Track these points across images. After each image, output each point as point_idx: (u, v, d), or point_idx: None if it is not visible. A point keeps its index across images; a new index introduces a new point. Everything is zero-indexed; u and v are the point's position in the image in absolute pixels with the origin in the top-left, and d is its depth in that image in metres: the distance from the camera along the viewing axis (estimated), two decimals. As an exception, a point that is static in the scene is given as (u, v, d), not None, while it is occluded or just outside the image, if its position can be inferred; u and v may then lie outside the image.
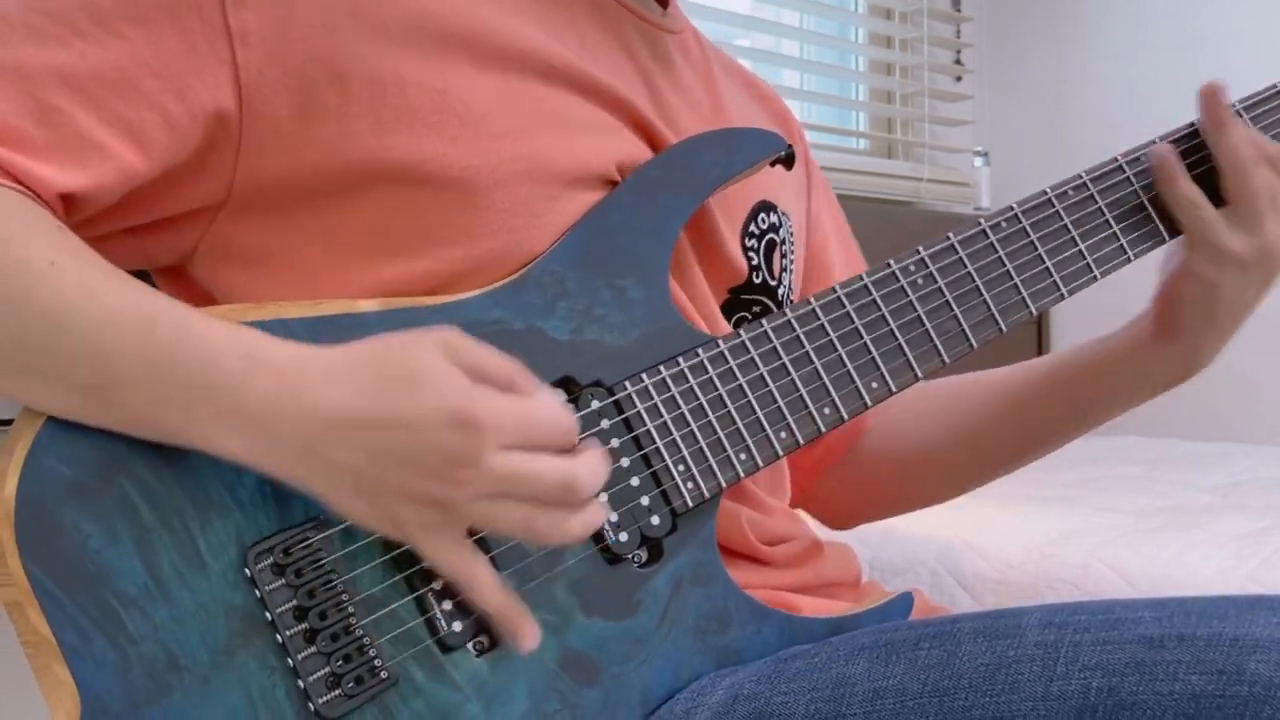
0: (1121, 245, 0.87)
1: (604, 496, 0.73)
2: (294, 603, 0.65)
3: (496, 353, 0.64)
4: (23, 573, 0.61)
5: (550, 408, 0.63)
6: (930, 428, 1.00)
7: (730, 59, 1.03)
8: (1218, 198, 0.86)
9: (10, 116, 0.66)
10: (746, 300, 0.88)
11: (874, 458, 1.01)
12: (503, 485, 0.61)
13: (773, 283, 0.90)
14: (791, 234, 0.94)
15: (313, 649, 0.65)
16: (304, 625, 0.65)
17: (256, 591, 0.65)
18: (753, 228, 0.89)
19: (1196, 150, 0.88)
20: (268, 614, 0.65)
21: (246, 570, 0.65)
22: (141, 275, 0.77)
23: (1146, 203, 0.88)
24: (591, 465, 0.64)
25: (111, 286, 0.64)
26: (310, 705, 0.64)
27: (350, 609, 0.66)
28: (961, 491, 1.04)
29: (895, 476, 1.00)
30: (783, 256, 0.92)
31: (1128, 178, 0.88)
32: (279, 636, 0.64)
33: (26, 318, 0.62)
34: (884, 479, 0.99)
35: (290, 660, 0.64)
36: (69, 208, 0.68)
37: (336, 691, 0.65)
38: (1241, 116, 0.90)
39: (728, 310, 0.87)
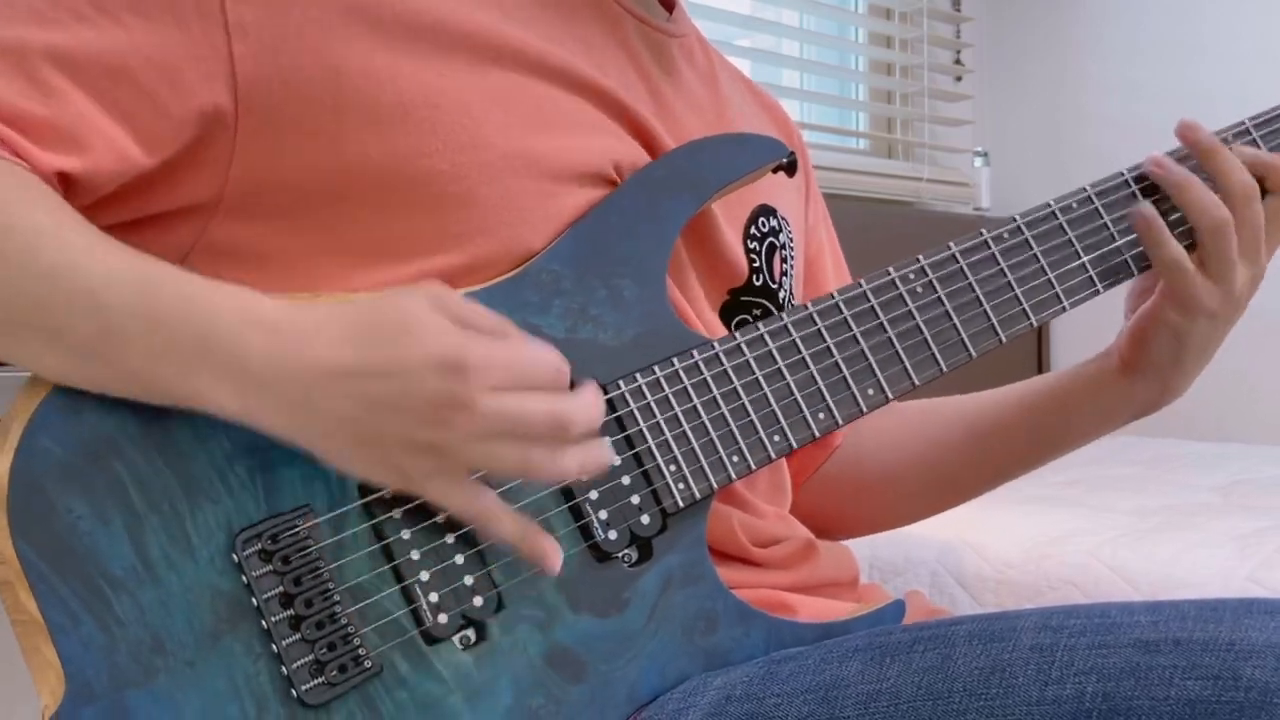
0: (1126, 260, 0.87)
1: (595, 494, 0.73)
2: (280, 589, 0.65)
3: (482, 306, 0.65)
4: (13, 552, 0.62)
5: (539, 351, 0.65)
6: (897, 449, 1.00)
7: (735, 67, 1.03)
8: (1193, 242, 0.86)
9: (9, 95, 0.67)
10: (746, 302, 0.87)
11: (842, 476, 1.00)
12: (496, 425, 0.63)
13: (773, 285, 0.89)
14: (792, 239, 0.94)
15: (297, 636, 0.65)
16: (289, 612, 0.65)
17: (243, 577, 0.65)
18: (754, 230, 0.89)
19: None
20: (254, 600, 0.65)
21: (234, 556, 0.65)
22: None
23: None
24: (583, 401, 0.66)
25: (111, 247, 0.65)
26: (293, 692, 0.65)
27: (336, 597, 0.66)
28: (926, 515, 1.04)
29: (862, 496, 0.99)
30: (783, 260, 0.91)
31: (1133, 193, 0.87)
32: (264, 622, 0.65)
33: (27, 274, 0.63)
34: (852, 497, 0.99)
35: (274, 646, 0.65)
36: (66, 192, 0.69)
37: (320, 679, 0.65)
38: (1251, 134, 0.89)
39: (728, 312, 0.87)
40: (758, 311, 0.88)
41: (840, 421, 0.79)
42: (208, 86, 0.70)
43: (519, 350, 0.65)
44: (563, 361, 0.66)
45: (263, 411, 0.63)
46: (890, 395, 0.81)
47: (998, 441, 0.98)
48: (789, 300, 0.91)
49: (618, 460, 0.73)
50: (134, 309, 0.63)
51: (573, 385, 0.73)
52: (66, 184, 0.69)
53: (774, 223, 0.92)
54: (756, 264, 0.88)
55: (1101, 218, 0.86)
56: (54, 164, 0.67)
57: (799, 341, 0.79)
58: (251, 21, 0.70)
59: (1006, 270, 0.84)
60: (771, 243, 0.90)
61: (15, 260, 0.63)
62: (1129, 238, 0.86)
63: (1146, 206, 0.85)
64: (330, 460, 0.65)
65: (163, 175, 0.71)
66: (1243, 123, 0.90)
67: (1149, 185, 0.87)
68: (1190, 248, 0.85)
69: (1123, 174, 0.88)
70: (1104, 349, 0.93)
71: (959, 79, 3.02)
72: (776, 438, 0.78)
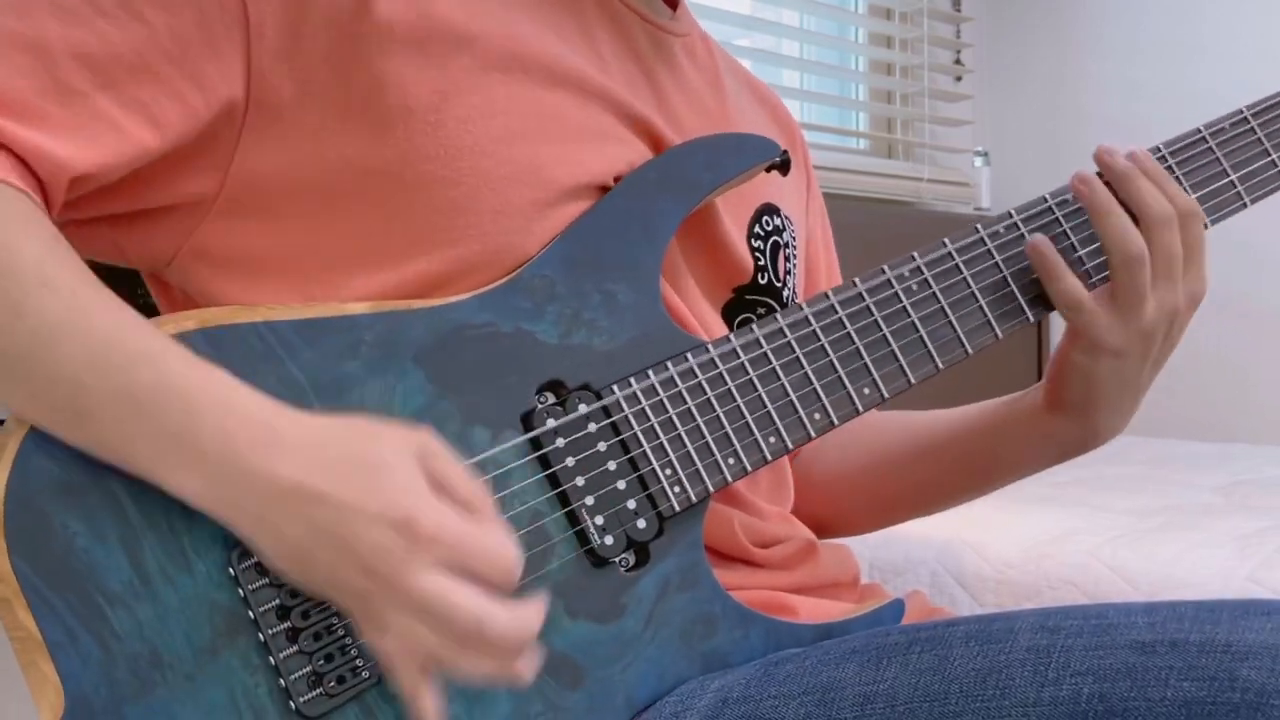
0: None
1: (591, 499, 0.73)
2: (277, 602, 0.65)
3: (468, 472, 0.63)
4: (10, 569, 0.62)
5: (497, 540, 0.61)
6: (842, 455, 0.99)
7: (737, 64, 1.02)
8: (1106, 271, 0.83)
9: (27, 91, 0.67)
10: (751, 301, 0.87)
11: (800, 477, 0.98)
12: (417, 602, 0.59)
13: (778, 284, 0.89)
14: (795, 238, 0.94)
15: (295, 648, 0.65)
16: (286, 624, 0.65)
17: (240, 590, 0.65)
18: (758, 229, 0.89)
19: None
20: (251, 613, 0.65)
21: (231, 569, 0.65)
22: (131, 279, 0.77)
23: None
24: (515, 615, 0.61)
25: (100, 312, 0.64)
26: (291, 704, 0.65)
27: (332, 609, 0.66)
28: (871, 527, 1.02)
29: (809, 495, 0.98)
30: (787, 259, 0.91)
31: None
32: (261, 635, 0.65)
33: (13, 330, 0.62)
34: (807, 498, 0.97)
35: (272, 659, 0.65)
36: (74, 182, 0.68)
37: (318, 690, 0.65)
38: (1207, 142, 0.88)
39: (732, 310, 0.87)
40: (762, 310, 0.88)
41: (836, 421, 0.79)
42: (225, 81, 0.70)
43: (476, 532, 0.61)
44: (517, 563, 0.62)
45: (225, 513, 0.62)
46: (886, 394, 0.81)
47: (933, 464, 0.97)
48: (792, 299, 0.91)
49: (600, 520, 0.72)
50: (113, 392, 0.62)
51: (570, 392, 0.73)
52: (75, 178, 0.68)
53: (778, 221, 0.91)
54: (761, 262, 0.88)
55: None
56: (69, 163, 0.67)
57: (794, 342, 0.79)
58: (270, 18, 0.71)
59: (1002, 265, 0.83)
60: (775, 241, 0.90)
61: (2, 313, 0.62)
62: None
63: (1039, 238, 0.82)
64: (275, 567, 0.63)
65: (167, 167, 0.71)
66: (1240, 111, 0.90)
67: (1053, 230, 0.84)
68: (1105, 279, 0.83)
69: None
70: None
71: (959, 79, 3.02)
72: (772, 439, 0.77)
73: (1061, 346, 0.86)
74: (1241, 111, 0.90)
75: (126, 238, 0.74)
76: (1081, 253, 0.84)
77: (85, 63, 0.68)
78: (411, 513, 0.59)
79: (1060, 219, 0.85)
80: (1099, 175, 0.84)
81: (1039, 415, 0.90)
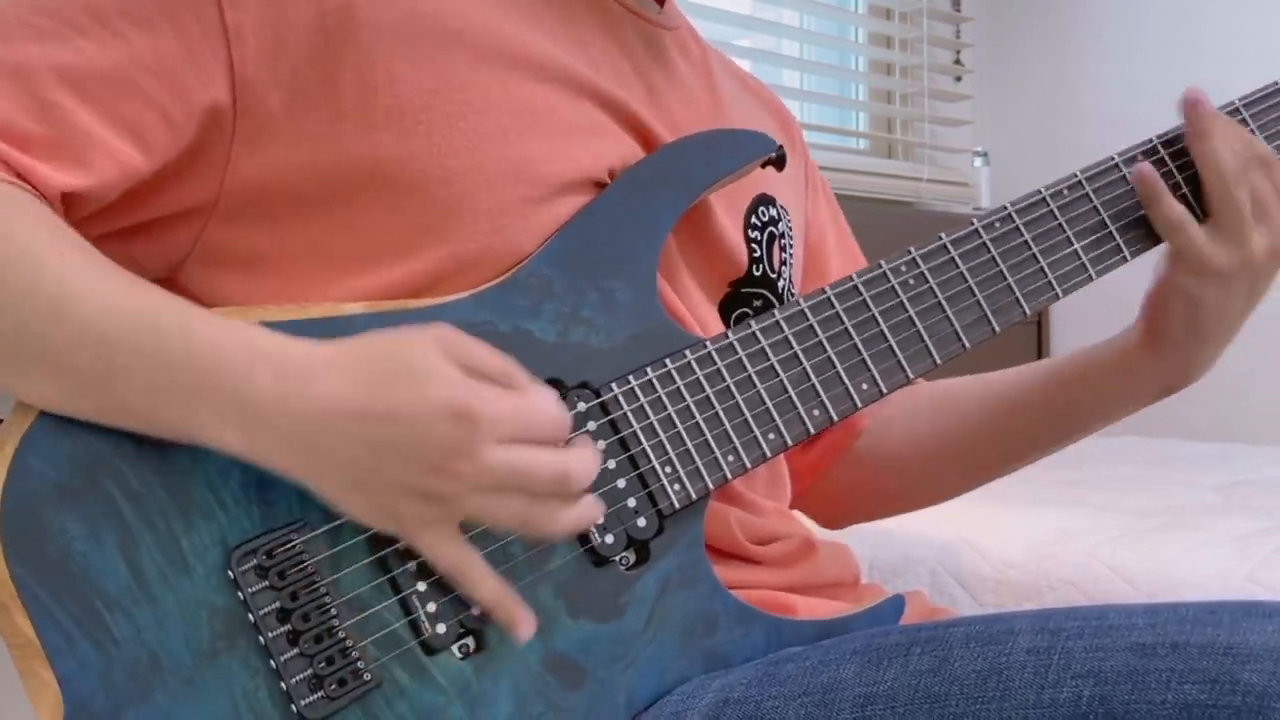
0: (1118, 244, 0.86)
1: (591, 497, 0.73)
2: (277, 605, 0.65)
3: (492, 349, 0.64)
4: (7, 574, 0.61)
5: (545, 402, 0.65)
6: (924, 429, 0.99)
7: (727, 58, 1.02)
8: (1204, 203, 0.85)
9: (12, 114, 0.67)
10: (747, 294, 0.87)
11: (868, 458, 1.00)
12: (500, 478, 0.62)
13: (773, 275, 0.89)
14: (791, 228, 0.94)
15: (296, 651, 0.65)
16: (287, 627, 0.65)
17: (240, 593, 0.65)
18: (754, 219, 0.89)
19: (1184, 154, 0.87)
20: (251, 616, 0.65)
21: (230, 572, 0.65)
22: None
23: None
24: (584, 459, 0.65)
25: (115, 278, 0.65)
26: (293, 707, 0.64)
27: (333, 611, 0.66)
28: (953, 495, 1.03)
29: (889, 477, 0.99)
30: (782, 250, 0.91)
31: (1123, 176, 0.87)
32: (262, 638, 0.64)
33: (30, 306, 0.62)
34: (877, 479, 0.98)
35: (273, 662, 0.64)
36: (69, 205, 0.69)
37: (319, 693, 0.65)
38: (1240, 113, 0.89)
39: (729, 305, 0.86)
40: (758, 303, 0.87)
41: (835, 417, 0.79)
42: (207, 90, 0.70)
43: (527, 403, 0.64)
44: (566, 413, 0.65)
45: (266, 449, 0.63)
46: (884, 389, 0.80)
47: (1020, 419, 0.96)
48: (788, 290, 0.91)
49: (601, 519, 0.73)
50: (137, 344, 0.62)
51: (568, 391, 0.73)
52: (69, 199, 0.68)
53: (774, 212, 0.91)
54: (757, 254, 0.88)
55: (1092, 201, 0.86)
56: (59, 183, 0.67)
57: (791, 337, 0.79)
58: (249, 26, 0.70)
59: (998, 259, 0.83)
60: (771, 232, 0.90)
61: (16, 291, 0.63)
62: (1121, 222, 0.86)
63: (1145, 165, 0.85)
64: (328, 498, 0.64)
65: (162, 180, 0.71)
66: (1233, 103, 0.90)
67: (1154, 160, 0.86)
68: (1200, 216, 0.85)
69: (1113, 158, 0.87)
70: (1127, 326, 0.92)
71: (959, 79, 3.02)
72: (771, 435, 0.77)
73: (1163, 274, 0.87)
74: None
75: (138, 247, 0.74)
76: (1077, 245, 0.85)
77: (67, 81, 0.68)
78: (464, 401, 0.61)
79: (1055, 211, 0.85)
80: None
81: (1135, 357, 0.91)
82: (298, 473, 0.63)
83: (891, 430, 1.00)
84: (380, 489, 0.62)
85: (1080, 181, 0.86)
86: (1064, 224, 0.85)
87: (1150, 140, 0.88)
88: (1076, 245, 0.85)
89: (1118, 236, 0.86)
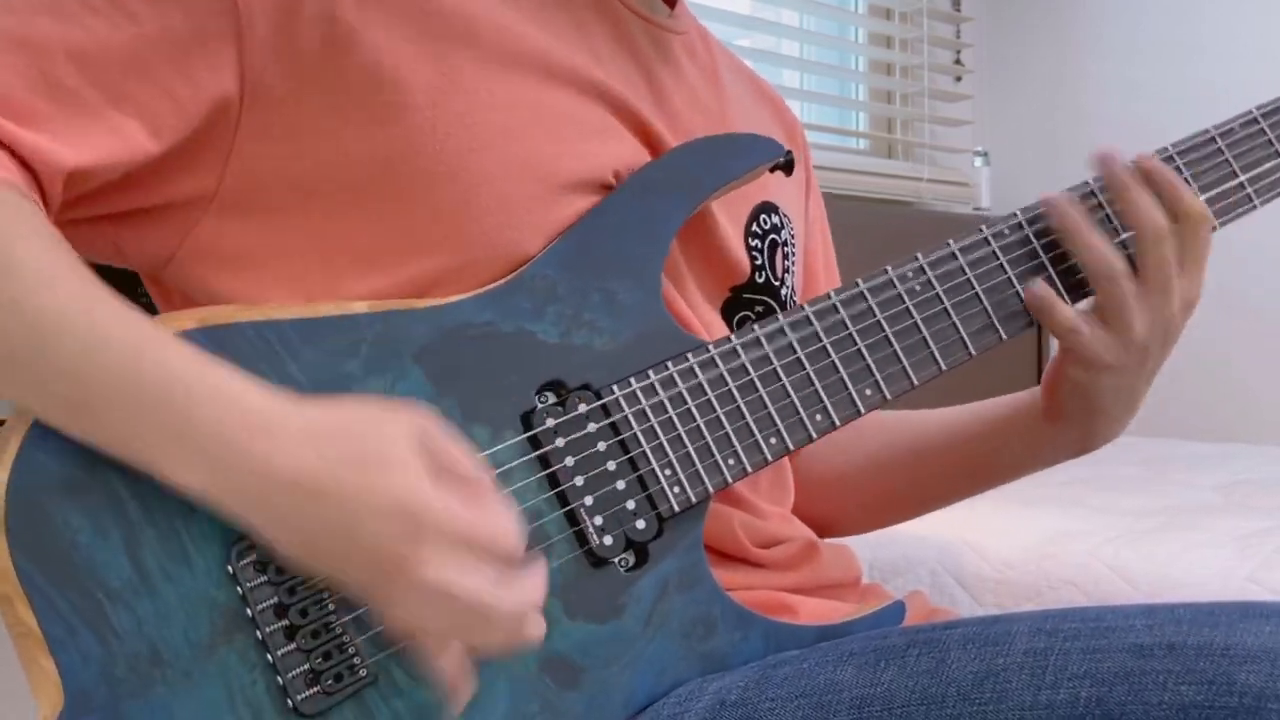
0: (1130, 255, 0.85)
1: (590, 499, 0.73)
2: (275, 599, 0.65)
3: (467, 451, 0.64)
4: (11, 566, 0.62)
5: (497, 520, 0.63)
6: (844, 454, 0.99)
7: (737, 60, 1.02)
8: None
9: (20, 90, 0.67)
10: (749, 299, 0.87)
11: (801, 476, 0.98)
12: (427, 588, 0.60)
13: (776, 283, 0.89)
14: (793, 236, 0.94)
15: (292, 646, 0.65)
16: (284, 622, 0.65)
17: (238, 588, 0.65)
18: (755, 228, 0.89)
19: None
20: (249, 610, 0.65)
21: (229, 567, 0.65)
22: (131, 280, 0.77)
23: None
24: (520, 590, 0.63)
25: (100, 307, 0.64)
26: (289, 701, 0.65)
27: (330, 606, 0.66)
28: (872, 526, 1.02)
29: (810, 494, 0.98)
30: (785, 258, 0.91)
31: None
32: (259, 633, 0.65)
33: (13, 326, 0.62)
34: (802, 494, 0.97)
35: (270, 656, 0.65)
36: (70, 181, 0.68)
37: (315, 688, 0.65)
38: (1216, 143, 0.88)
39: (730, 309, 0.86)
40: (760, 309, 0.87)
41: (838, 423, 0.79)
42: (216, 76, 0.70)
43: (482, 513, 0.62)
44: (519, 540, 0.63)
45: (226, 500, 0.62)
46: (889, 396, 0.80)
47: (934, 464, 0.97)
48: (791, 297, 0.91)
49: (599, 520, 0.73)
50: (115, 383, 0.62)
51: (570, 392, 0.73)
52: (71, 175, 0.68)
53: (776, 220, 0.91)
54: (759, 261, 0.88)
55: (1104, 210, 0.85)
56: (62, 160, 0.67)
57: (795, 343, 0.79)
58: (260, 14, 0.70)
59: (1007, 266, 0.83)
60: (773, 239, 0.90)
61: (2, 309, 0.62)
62: (1131, 233, 0.83)
63: (1039, 285, 0.81)
64: (281, 556, 0.64)
65: (164, 165, 0.71)
66: (1250, 112, 0.89)
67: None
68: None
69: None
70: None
71: (959, 79, 3.02)
72: (773, 440, 0.77)
73: (1055, 362, 0.86)
74: (1251, 112, 0.89)
75: (126, 237, 0.74)
76: (1123, 236, 0.83)
77: (76, 59, 0.68)
78: (413, 505, 0.60)
79: None
80: (1084, 188, 0.83)
81: (1037, 421, 0.91)
82: (252, 531, 0.63)
83: (817, 449, 0.98)
84: (322, 563, 0.63)
85: (1093, 190, 0.84)
86: None
87: (1168, 149, 0.86)
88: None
89: (1130, 246, 0.85)
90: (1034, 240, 0.84)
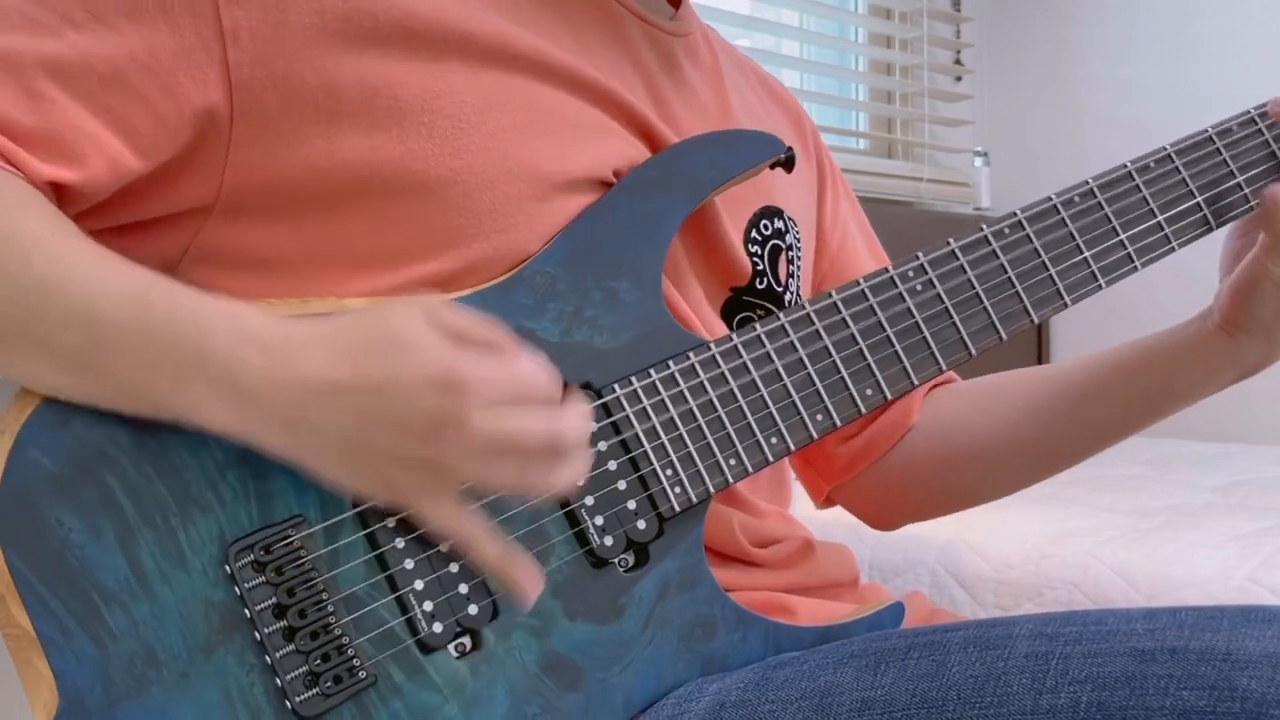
0: (1129, 254, 0.86)
1: (591, 499, 0.73)
2: (273, 600, 0.65)
3: (476, 316, 0.64)
4: (5, 566, 0.61)
5: (531, 366, 0.65)
6: (985, 425, 0.97)
7: (747, 59, 1.02)
8: None
9: (3, 106, 0.66)
10: (749, 302, 0.87)
11: (920, 456, 0.97)
12: (491, 443, 0.62)
13: (778, 288, 0.89)
14: (799, 239, 0.93)
15: (291, 647, 0.65)
16: (283, 623, 0.65)
17: (236, 589, 0.65)
18: (755, 234, 0.89)
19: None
20: (247, 611, 0.65)
21: (227, 567, 0.65)
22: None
23: (1162, 217, 0.87)
24: (575, 415, 0.65)
25: (104, 257, 0.65)
26: (288, 703, 0.64)
27: (330, 608, 0.66)
28: (1016, 489, 1.01)
29: (946, 475, 0.97)
30: (789, 263, 0.91)
31: (1136, 185, 0.87)
32: (257, 634, 0.65)
33: (19, 285, 0.63)
34: (932, 477, 0.96)
35: (268, 658, 0.65)
36: (61, 201, 0.68)
37: (314, 690, 0.65)
38: (1214, 143, 0.89)
39: (731, 308, 0.86)
40: (760, 313, 0.87)
41: (839, 422, 0.79)
42: (201, 90, 0.69)
43: (513, 365, 0.64)
44: (555, 373, 0.65)
45: (255, 426, 0.63)
46: (889, 395, 0.80)
47: (1092, 406, 0.95)
48: (795, 303, 0.91)
49: (600, 520, 0.73)
50: (126, 322, 0.63)
51: (565, 386, 0.73)
52: (61, 193, 0.68)
53: (779, 224, 0.91)
54: (760, 266, 0.88)
55: (1103, 209, 0.86)
56: (48, 175, 0.67)
57: (796, 342, 0.79)
58: (245, 25, 0.70)
59: (1007, 266, 0.83)
60: (775, 245, 0.90)
61: (8, 270, 0.63)
62: (1130, 232, 0.86)
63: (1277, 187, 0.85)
64: (322, 474, 0.64)
65: (158, 180, 0.71)
66: (1247, 112, 0.90)
67: (1152, 178, 0.86)
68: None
69: (1125, 165, 0.87)
70: (1200, 310, 0.91)
71: (959, 79, 3.02)
72: (774, 440, 0.77)
73: (1253, 264, 0.86)
74: (1249, 112, 0.90)
75: (132, 244, 0.74)
76: (1087, 254, 0.85)
77: (57, 72, 0.68)
78: (449, 370, 0.61)
79: (1066, 219, 0.85)
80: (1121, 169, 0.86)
81: (1215, 340, 0.90)
82: (288, 450, 0.64)
83: (945, 427, 0.98)
84: (373, 461, 0.63)
85: (1092, 189, 0.86)
86: (1074, 231, 0.84)
87: (1165, 148, 0.88)
88: (1086, 254, 0.84)
89: (1129, 245, 0.86)
90: (1273, 145, 0.88)
